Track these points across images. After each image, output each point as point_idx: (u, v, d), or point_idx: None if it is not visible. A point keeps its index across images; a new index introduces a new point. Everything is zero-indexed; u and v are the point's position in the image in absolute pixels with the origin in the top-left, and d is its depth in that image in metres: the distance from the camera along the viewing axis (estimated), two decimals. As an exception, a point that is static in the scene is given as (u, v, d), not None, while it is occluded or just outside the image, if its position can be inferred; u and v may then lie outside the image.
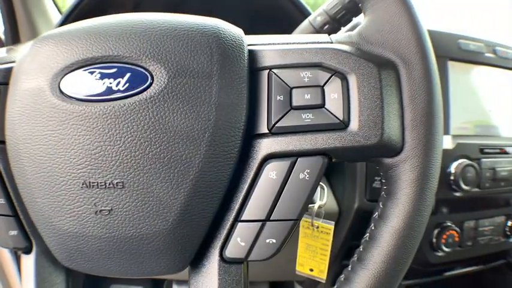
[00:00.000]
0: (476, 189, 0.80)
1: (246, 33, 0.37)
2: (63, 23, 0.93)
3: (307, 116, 0.34)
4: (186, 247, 0.34)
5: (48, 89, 0.33)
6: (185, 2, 0.96)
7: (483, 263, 0.99)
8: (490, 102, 0.89)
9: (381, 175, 0.37)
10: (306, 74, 0.34)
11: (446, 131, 0.81)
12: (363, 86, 0.34)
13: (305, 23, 0.64)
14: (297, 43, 0.36)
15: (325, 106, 0.34)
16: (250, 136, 0.35)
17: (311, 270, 0.60)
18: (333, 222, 0.58)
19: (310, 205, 0.55)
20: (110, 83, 0.32)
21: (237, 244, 0.34)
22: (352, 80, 0.34)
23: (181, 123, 0.32)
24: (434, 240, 0.82)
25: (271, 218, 0.34)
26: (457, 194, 0.80)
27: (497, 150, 0.85)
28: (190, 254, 0.35)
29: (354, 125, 0.34)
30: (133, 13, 0.35)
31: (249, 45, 0.36)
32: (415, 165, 0.34)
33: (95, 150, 0.32)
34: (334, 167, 0.81)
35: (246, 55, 0.35)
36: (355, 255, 0.37)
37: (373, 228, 0.36)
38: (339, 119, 0.34)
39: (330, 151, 0.34)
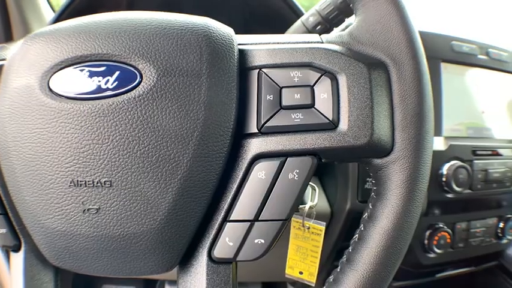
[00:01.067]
0: (468, 191, 0.81)
1: (240, 33, 0.37)
2: (56, 21, 0.93)
3: (297, 115, 0.34)
4: (174, 247, 0.34)
5: (38, 87, 0.32)
6: (179, 1, 0.96)
7: (475, 265, 0.99)
8: (482, 104, 0.90)
9: (371, 176, 0.37)
10: (296, 73, 0.34)
11: (439, 133, 0.81)
12: (352, 86, 0.34)
13: (298, 23, 0.64)
14: (288, 43, 0.36)
15: (315, 106, 0.34)
16: (240, 136, 0.35)
17: (301, 273, 0.60)
18: (324, 223, 0.58)
19: (301, 206, 0.55)
20: (99, 81, 0.32)
21: (226, 244, 0.34)
22: (342, 80, 0.34)
23: (170, 122, 0.32)
24: (426, 241, 0.82)
25: (259, 218, 0.34)
26: (449, 196, 0.80)
27: (489, 152, 0.85)
28: (179, 253, 0.35)
29: (343, 125, 0.34)
30: (123, 11, 0.35)
31: (239, 44, 0.36)
32: (404, 166, 0.34)
33: (84, 148, 0.32)
34: (326, 167, 0.81)
35: (236, 54, 0.34)
36: (345, 256, 0.37)
37: (362, 229, 0.36)
38: (328, 119, 0.34)
39: (319, 151, 0.34)
